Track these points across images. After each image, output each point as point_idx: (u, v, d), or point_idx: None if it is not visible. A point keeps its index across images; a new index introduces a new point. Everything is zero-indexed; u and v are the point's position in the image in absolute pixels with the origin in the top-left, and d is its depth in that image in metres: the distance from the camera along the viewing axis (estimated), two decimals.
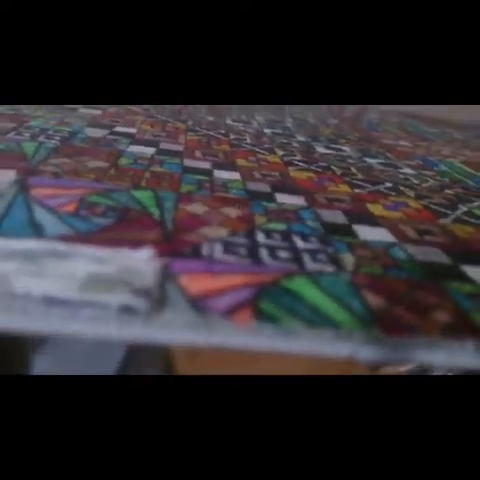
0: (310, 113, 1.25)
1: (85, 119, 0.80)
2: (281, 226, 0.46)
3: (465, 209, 0.62)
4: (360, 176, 0.70)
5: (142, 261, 0.35)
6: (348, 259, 0.41)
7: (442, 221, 0.55)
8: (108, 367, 0.86)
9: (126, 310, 0.29)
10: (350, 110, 1.45)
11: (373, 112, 1.49)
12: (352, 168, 0.74)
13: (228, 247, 0.40)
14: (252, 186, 0.58)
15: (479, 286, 0.40)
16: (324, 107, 1.43)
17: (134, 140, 0.71)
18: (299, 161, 0.73)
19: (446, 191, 0.69)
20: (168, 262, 0.36)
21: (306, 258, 0.40)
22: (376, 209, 0.56)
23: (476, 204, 0.65)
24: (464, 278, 0.41)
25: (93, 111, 0.87)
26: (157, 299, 0.31)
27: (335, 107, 1.48)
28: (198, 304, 0.31)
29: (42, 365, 0.83)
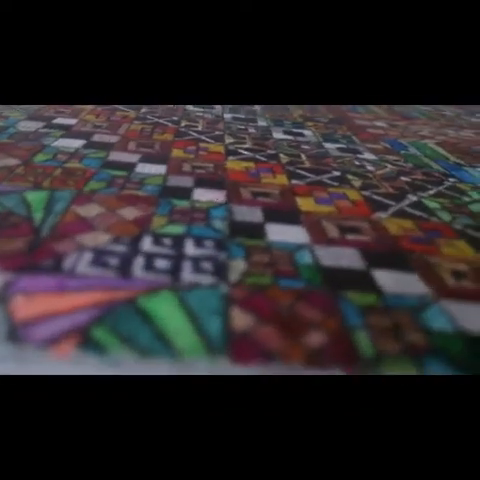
0: None
1: (27, 112, 0.76)
2: (178, 229, 0.42)
3: (414, 199, 0.56)
4: (307, 165, 0.64)
5: None
6: (237, 267, 0.37)
7: (377, 215, 0.50)
8: None
9: None
10: None
11: None
12: (302, 155, 0.68)
13: (99, 257, 0.36)
14: (173, 181, 0.53)
15: (380, 297, 0.35)
16: None
17: (68, 132, 0.67)
18: (245, 149, 0.68)
19: (402, 178, 0.63)
20: (12, 279, 0.32)
21: (187, 268, 0.36)
22: (306, 203, 0.51)
23: (431, 192, 0.59)
24: (369, 287, 0.36)
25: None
26: None
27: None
28: (17, 333, 0.27)
29: None
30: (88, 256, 0.36)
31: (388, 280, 0.38)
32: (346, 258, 0.40)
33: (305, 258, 0.40)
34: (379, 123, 0.96)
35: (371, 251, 0.42)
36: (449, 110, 1.23)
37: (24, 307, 0.29)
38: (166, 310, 0.31)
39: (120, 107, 0.85)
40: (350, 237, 0.44)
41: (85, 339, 0.27)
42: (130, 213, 0.44)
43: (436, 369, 0.29)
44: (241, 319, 0.31)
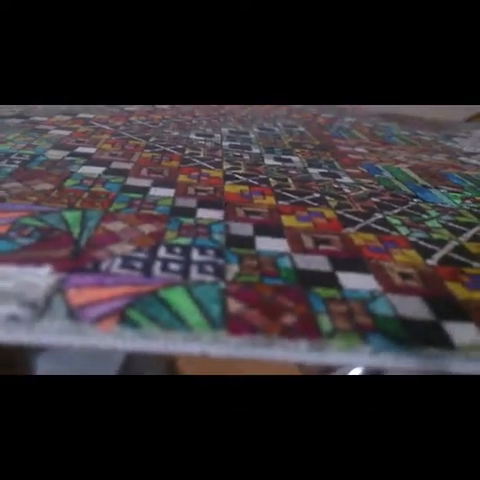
0: (280, 122, 1.31)
1: (51, 141, 0.88)
2: (186, 240, 0.53)
3: (380, 217, 0.67)
4: (293, 188, 0.76)
5: (40, 277, 0.42)
6: (232, 270, 0.48)
7: (346, 230, 0.61)
8: (109, 368, 0.94)
9: (12, 319, 0.37)
10: (325, 116, 1.50)
11: (348, 116, 1.54)
12: (289, 179, 0.80)
13: (126, 262, 0.47)
14: (180, 202, 0.65)
15: (340, 291, 0.46)
16: (298, 108, 1.48)
17: (89, 160, 0.79)
18: (240, 174, 0.80)
19: (372, 199, 0.75)
20: (65, 277, 0.43)
21: (193, 270, 0.47)
22: (289, 220, 0.62)
23: (395, 211, 0.70)
24: (332, 284, 0.48)
25: (63, 132, 0.95)
26: (41, 309, 0.38)
27: (314, 109, 1.53)
28: (74, 314, 0.38)
29: (44, 366, 0.91)
30: (118, 261, 0.47)
31: (348, 279, 0.49)
32: (317, 263, 0.52)
33: (285, 263, 0.51)
34: (360, 149, 1.09)
35: (337, 258, 0.53)
36: (427, 135, 1.36)
37: (76, 296, 0.40)
38: (179, 299, 0.42)
39: (133, 137, 0.97)
40: (322, 247, 0.56)
41: (122, 319, 0.38)
42: (147, 228, 0.55)
43: (377, 342, 0.40)
44: (235, 306, 0.42)
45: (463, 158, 1.11)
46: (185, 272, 0.47)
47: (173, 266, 0.48)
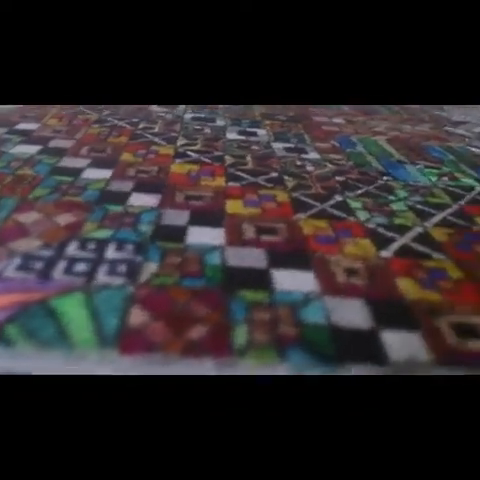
0: None
1: None
2: (105, 233, 0.47)
3: (339, 199, 0.61)
4: (250, 166, 0.69)
5: None
6: (149, 269, 0.42)
7: (297, 216, 0.55)
8: None
9: None
10: None
11: None
12: (248, 157, 0.73)
13: (26, 262, 0.41)
14: (114, 186, 0.58)
15: (271, 294, 0.40)
16: None
17: (28, 138, 0.72)
18: (194, 151, 0.73)
19: (336, 178, 0.68)
20: None
21: (102, 271, 0.41)
22: (234, 206, 0.56)
23: (359, 192, 0.63)
24: (263, 285, 0.41)
25: (11, 106, 0.88)
26: None
27: None
28: None
29: None
30: (17, 261, 0.41)
31: (283, 278, 0.43)
32: (252, 259, 0.45)
33: (214, 259, 0.45)
34: (338, 119, 1.00)
35: (277, 252, 0.47)
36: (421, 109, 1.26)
37: None
38: (73, 310, 0.36)
39: (86, 110, 0.89)
40: (264, 238, 0.49)
41: None
42: (64, 219, 0.49)
43: (296, 358, 0.34)
44: (138, 317, 0.36)
45: (449, 128, 1.03)
46: (91, 274, 0.41)
47: (79, 267, 0.41)
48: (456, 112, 1.19)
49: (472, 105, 1.29)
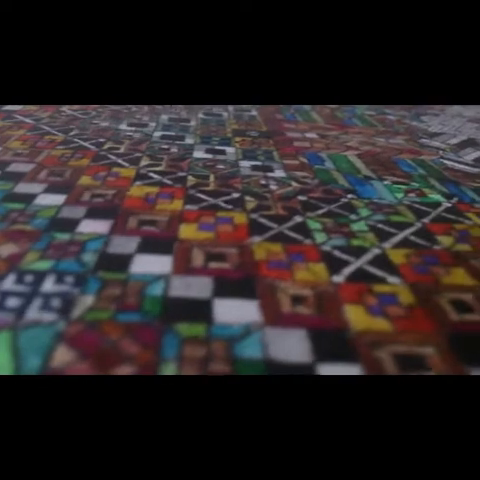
0: (232, 108, 1.21)
1: None
2: (46, 264, 0.46)
3: (299, 220, 0.59)
4: (211, 187, 0.68)
5: None
6: (84, 303, 0.41)
7: (251, 240, 0.53)
8: None
9: None
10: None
11: None
12: (211, 177, 0.71)
13: None
14: (65, 212, 0.57)
15: (208, 327, 0.39)
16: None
17: None
18: (157, 172, 0.71)
19: (299, 198, 0.66)
20: None
21: (34, 306, 0.40)
22: (187, 231, 0.54)
23: (320, 212, 0.62)
24: (202, 318, 0.40)
25: None
26: None
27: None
28: None
29: None
30: None
31: (225, 309, 0.41)
32: (197, 288, 0.44)
33: (155, 290, 0.43)
34: (310, 134, 0.99)
35: (225, 279, 0.45)
36: (394, 114, 1.26)
37: None
38: None
39: (53, 131, 0.88)
40: (212, 265, 0.48)
41: None
42: (7, 250, 0.48)
43: None
44: (63, 356, 0.35)
45: (425, 140, 1.02)
46: (22, 310, 0.39)
47: (11, 302, 0.40)
48: (435, 122, 1.19)
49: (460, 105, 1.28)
